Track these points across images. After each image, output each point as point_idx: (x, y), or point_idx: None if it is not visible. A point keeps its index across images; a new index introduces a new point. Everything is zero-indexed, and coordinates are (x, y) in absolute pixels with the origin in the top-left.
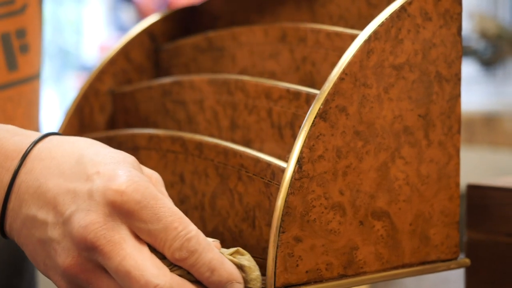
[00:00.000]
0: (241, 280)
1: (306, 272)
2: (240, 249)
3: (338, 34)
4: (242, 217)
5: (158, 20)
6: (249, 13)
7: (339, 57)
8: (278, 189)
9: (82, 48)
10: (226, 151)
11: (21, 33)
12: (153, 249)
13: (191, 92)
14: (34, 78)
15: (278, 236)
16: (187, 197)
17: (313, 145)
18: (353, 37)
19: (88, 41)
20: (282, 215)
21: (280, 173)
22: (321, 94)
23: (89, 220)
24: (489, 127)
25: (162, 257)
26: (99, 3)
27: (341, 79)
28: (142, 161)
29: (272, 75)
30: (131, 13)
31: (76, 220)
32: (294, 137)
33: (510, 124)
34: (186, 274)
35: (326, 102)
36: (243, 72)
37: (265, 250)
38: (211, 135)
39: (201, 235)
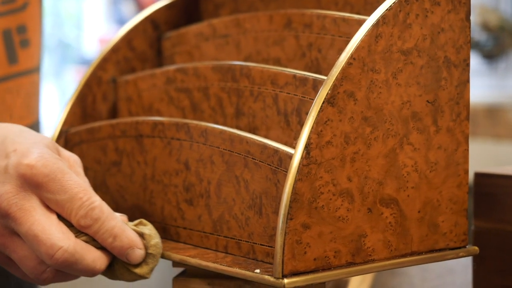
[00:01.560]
0: (142, 246)
1: (314, 259)
2: (143, 220)
3: (344, 20)
4: (249, 204)
5: (160, 8)
6: (253, 0)
7: (346, 43)
8: (285, 176)
9: (82, 42)
10: (232, 138)
11: (21, 29)
12: (62, 218)
13: (195, 79)
14: (33, 71)
15: (286, 223)
16: (192, 185)
17: (321, 131)
18: (360, 22)
19: (88, 34)
20: (290, 201)
21: (288, 159)
22: (329, 79)
23: (3, 190)
24: (492, 119)
25: (69, 225)
26: None
27: (349, 64)
28: (147, 149)
29: (277, 62)
30: (131, 6)
31: None
32: (300, 123)
33: None
34: (92, 240)
35: (334, 87)
36: (247, 59)
37: (272, 237)
38: (216, 122)
39: (104, 205)
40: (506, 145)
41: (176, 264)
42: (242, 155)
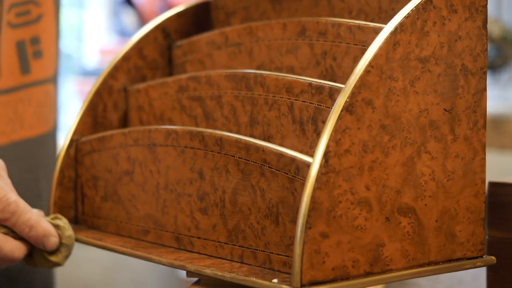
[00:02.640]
0: (56, 235)
1: (333, 269)
2: (58, 215)
3: (360, 28)
4: (265, 213)
5: (171, 16)
6: (264, 9)
7: (362, 50)
8: (303, 185)
9: (83, 53)
10: (248, 147)
11: (35, 40)
12: None
13: (208, 88)
14: (47, 81)
15: (305, 232)
16: (207, 194)
17: (339, 139)
18: (376, 30)
19: (89, 45)
20: (309, 210)
21: (305, 168)
22: (347, 87)
23: None
24: (496, 130)
25: None
26: (100, 7)
27: (367, 71)
28: (160, 157)
29: (291, 70)
30: (132, 17)
31: None
32: (317, 132)
33: None
34: (11, 232)
35: (352, 95)
36: (260, 67)
37: (289, 247)
38: (229, 131)
39: (20, 201)
40: (510, 156)
41: (190, 274)
42: (258, 163)
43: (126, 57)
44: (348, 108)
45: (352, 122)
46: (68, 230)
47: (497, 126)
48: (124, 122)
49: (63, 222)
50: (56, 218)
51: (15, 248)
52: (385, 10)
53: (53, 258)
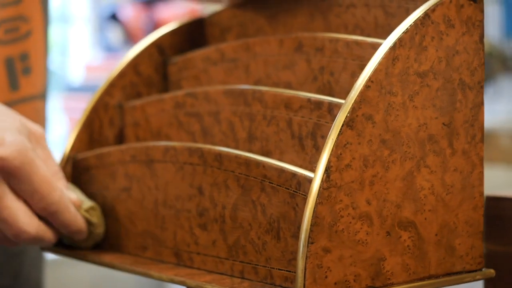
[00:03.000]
0: (86, 233)
1: (335, 283)
2: (95, 205)
3: (357, 43)
4: (266, 228)
5: (166, 33)
6: (260, 25)
7: (359, 66)
8: (304, 200)
9: (68, 69)
10: (248, 162)
11: (24, 56)
12: None
13: (205, 104)
14: (35, 97)
15: (307, 246)
16: (206, 210)
17: (341, 154)
18: (374, 46)
19: (74, 62)
20: (311, 225)
21: (307, 183)
22: (348, 102)
23: None
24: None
25: None
26: (85, 23)
27: (367, 86)
28: (158, 174)
29: (288, 86)
30: (118, 33)
31: None
32: (316, 147)
33: (505, 141)
34: None
35: (353, 110)
36: (257, 83)
37: (290, 262)
38: (228, 147)
39: (62, 201)
40: (498, 170)
41: None
42: (259, 179)
43: (122, 74)
44: (348, 123)
45: (352, 137)
46: (99, 227)
47: (485, 140)
48: (120, 138)
49: (97, 216)
50: (92, 209)
51: (54, 237)
52: (381, 25)
53: (80, 245)
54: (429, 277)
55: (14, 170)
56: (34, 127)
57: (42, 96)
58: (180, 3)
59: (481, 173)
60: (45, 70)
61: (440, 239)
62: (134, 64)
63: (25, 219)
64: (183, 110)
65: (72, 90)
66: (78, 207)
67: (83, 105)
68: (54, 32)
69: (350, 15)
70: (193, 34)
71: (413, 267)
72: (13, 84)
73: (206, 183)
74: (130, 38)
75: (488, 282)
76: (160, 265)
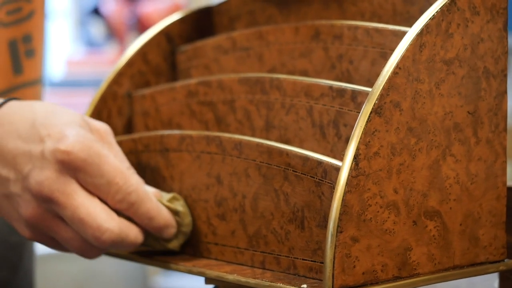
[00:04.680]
0: (175, 225)
1: (363, 273)
2: (176, 195)
3: (378, 30)
4: (289, 218)
5: (175, 21)
6: (270, 13)
7: (381, 54)
8: (330, 188)
9: (49, 64)
10: (270, 150)
11: (27, 38)
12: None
13: (220, 92)
14: (36, 82)
15: (336, 236)
16: (225, 199)
17: (369, 142)
18: (395, 33)
19: (55, 57)
20: (340, 214)
21: (333, 171)
22: (376, 89)
23: (43, 176)
24: None
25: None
26: (66, 17)
27: (395, 73)
28: (173, 163)
29: (304, 74)
30: (100, 28)
31: (33, 176)
32: (338, 136)
33: None
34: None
35: (381, 97)
36: (271, 71)
37: (315, 252)
38: (244, 135)
39: (140, 188)
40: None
41: (209, 281)
42: (282, 167)
43: (130, 63)
44: (377, 111)
45: (380, 124)
46: (188, 216)
47: None
48: (129, 127)
49: (182, 205)
50: (174, 199)
51: (138, 234)
52: (400, 12)
53: (169, 245)
54: (454, 268)
55: (81, 164)
56: (98, 123)
57: (41, 81)
58: None
59: (504, 162)
60: (43, 53)
61: (464, 229)
62: (142, 52)
63: (104, 216)
64: (195, 98)
65: (53, 85)
66: (159, 199)
67: (64, 100)
68: None
69: (367, 3)
70: (202, 22)
71: (438, 257)
72: (17, 67)
73: (225, 172)
74: (113, 33)
75: (503, 276)
76: (175, 256)
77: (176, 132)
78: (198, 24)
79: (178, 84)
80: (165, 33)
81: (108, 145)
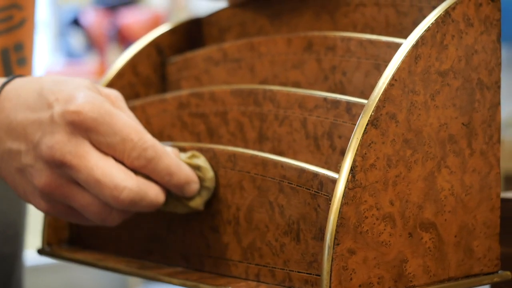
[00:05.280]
0: (197, 180)
1: (359, 286)
2: (195, 152)
3: (371, 42)
4: (284, 230)
5: (165, 33)
6: (261, 24)
7: (374, 65)
8: (326, 200)
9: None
10: (265, 162)
11: (19, 46)
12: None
13: (212, 103)
14: None
15: (333, 248)
16: (218, 212)
17: (365, 153)
18: (389, 44)
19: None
20: (337, 226)
21: (329, 183)
22: (372, 101)
23: (54, 140)
24: None
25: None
26: (46, 28)
27: (391, 85)
28: None
29: (297, 86)
30: (80, 39)
31: (44, 142)
32: (332, 147)
33: None
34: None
35: (377, 109)
36: (263, 83)
37: (311, 264)
38: (236, 147)
39: (157, 143)
40: None
41: None
42: (277, 179)
43: (120, 74)
44: (373, 122)
45: (377, 136)
46: (210, 171)
47: None
48: None
49: (203, 161)
50: (193, 156)
51: (159, 193)
52: (393, 24)
53: (191, 204)
54: (449, 279)
55: (93, 123)
56: (108, 90)
57: None
58: (143, 8)
59: (498, 174)
60: (33, 61)
61: (459, 241)
62: (132, 64)
63: (122, 175)
64: (187, 110)
65: None
66: (177, 155)
67: None
68: None
69: (359, 15)
70: (191, 34)
71: (433, 269)
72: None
73: (219, 185)
74: (92, 44)
75: (495, 285)
76: (168, 269)
77: (168, 143)
78: (188, 35)
79: (169, 95)
80: (155, 44)
81: (120, 109)
